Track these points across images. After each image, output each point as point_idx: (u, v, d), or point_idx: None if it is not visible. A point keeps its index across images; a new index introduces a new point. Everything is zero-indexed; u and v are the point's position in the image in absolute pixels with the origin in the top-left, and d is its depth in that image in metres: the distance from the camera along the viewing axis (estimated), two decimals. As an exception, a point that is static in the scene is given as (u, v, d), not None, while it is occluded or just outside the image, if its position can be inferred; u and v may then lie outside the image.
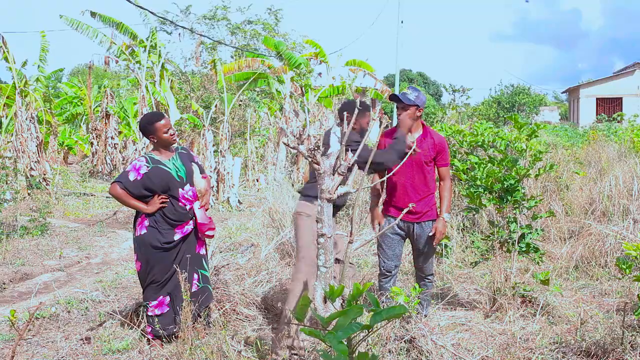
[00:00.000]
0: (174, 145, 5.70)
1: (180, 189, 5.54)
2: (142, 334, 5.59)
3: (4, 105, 19.70)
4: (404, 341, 4.87)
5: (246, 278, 7.18)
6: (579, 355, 4.97)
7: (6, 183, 14.09)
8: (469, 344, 5.31)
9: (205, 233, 5.73)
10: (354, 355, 2.57)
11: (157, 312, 5.46)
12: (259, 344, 5.08)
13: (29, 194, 16.09)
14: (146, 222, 5.47)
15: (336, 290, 2.81)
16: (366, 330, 2.55)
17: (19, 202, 14.27)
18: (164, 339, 5.45)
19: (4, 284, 8.03)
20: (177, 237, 5.52)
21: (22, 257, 9.39)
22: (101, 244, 10.90)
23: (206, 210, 5.72)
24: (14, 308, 6.54)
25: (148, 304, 5.48)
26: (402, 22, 35.47)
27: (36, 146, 17.75)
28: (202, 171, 5.77)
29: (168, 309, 5.48)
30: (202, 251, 5.73)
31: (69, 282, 8.19)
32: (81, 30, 19.38)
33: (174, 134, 5.62)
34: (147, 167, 5.47)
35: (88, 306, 6.76)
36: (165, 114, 5.70)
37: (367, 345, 4.65)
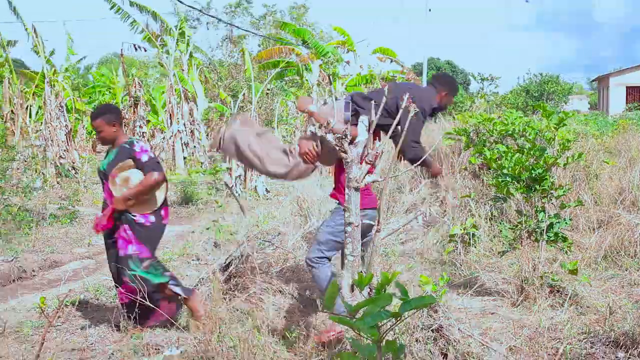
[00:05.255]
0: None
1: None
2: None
3: (34, 94, 19.92)
4: (431, 330, 4.86)
5: (273, 266, 7.20)
6: (607, 345, 4.92)
7: (36, 171, 14.26)
8: (496, 334, 5.29)
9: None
10: (381, 343, 2.57)
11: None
12: (286, 333, 5.09)
13: (58, 182, 16.25)
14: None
15: (365, 278, 2.79)
16: (394, 319, 2.54)
17: (48, 191, 14.40)
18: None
19: (33, 271, 8.13)
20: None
21: (52, 244, 9.50)
22: (129, 231, 10.97)
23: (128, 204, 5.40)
24: (43, 295, 6.61)
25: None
26: (429, 10, 35.35)
27: (65, 135, 17.95)
28: (141, 168, 5.40)
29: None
30: (123, 251, 5.50)
31: (98, 270, 8.26)
32: (114, 10, 19.56)
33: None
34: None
35: (116, 293, 6.81)
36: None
37: (394, 334, 4.65)
